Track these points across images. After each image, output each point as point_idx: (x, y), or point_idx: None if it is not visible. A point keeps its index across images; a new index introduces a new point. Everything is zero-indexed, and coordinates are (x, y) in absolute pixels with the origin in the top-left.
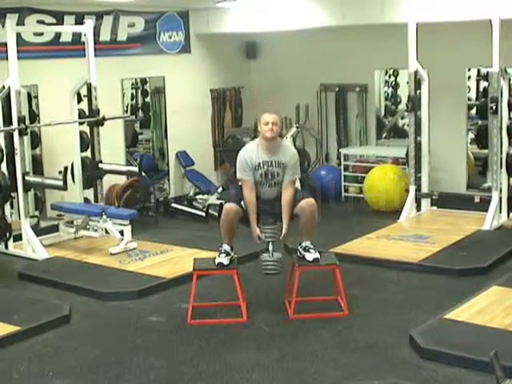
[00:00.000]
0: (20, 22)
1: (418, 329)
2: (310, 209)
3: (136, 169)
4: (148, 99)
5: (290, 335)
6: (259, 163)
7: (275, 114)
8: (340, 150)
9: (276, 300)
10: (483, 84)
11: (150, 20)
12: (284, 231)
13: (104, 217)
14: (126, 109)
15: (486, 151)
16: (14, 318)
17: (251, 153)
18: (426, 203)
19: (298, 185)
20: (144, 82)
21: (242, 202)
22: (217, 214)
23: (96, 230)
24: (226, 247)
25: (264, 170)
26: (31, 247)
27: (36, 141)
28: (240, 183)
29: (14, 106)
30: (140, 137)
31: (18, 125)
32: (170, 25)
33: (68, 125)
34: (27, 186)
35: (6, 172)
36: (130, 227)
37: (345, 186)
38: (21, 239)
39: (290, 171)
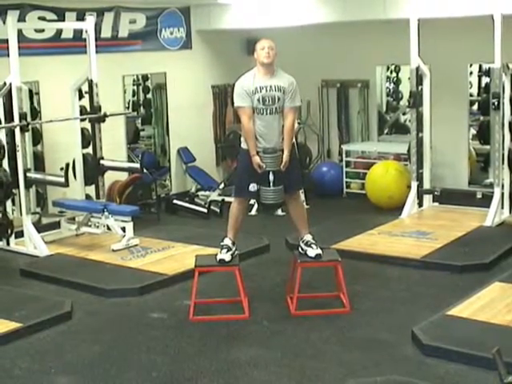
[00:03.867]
0: (21, 19)
1: (420, 325)
2: (297, 201)
3: (137, 165)
4: (149, 95)
5: (291, 332)
6: (256, 87)
7: (270, 40)
8: (342, 146)
9: (278, 296)
10: (485, 80)
11: (151, 16)
12: (285, 159)
13: (106, 213)
14: (127, 105)
15: (487, 147)
16: (15, 315)
17: (248, 79)
18: (427, 199)
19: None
20: (145, 78)
21: (251, 186)
22: (218, 211)
23: (98, 227)
24: (227, 241)
25: (262, 94)
26: (33, 244)
27: (37, 137)
28: (238, 112)
29: (16, 102)
30: (141, 133)
31: (20, 121)
32: (172, 21)
33: (69, 121)
34: (29, 183)
35: (7, 169)
36: (131, 224)
37: (346, 182)
38: (22, 236)
39: (290, 97)
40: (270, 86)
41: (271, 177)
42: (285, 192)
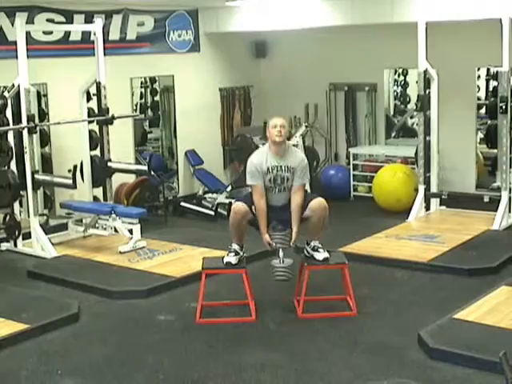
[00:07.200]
0: (30, 21)
1: (426, 329)
2: (321, 210)
3: (145, 167)
4: (157, 98)
5: (298, 335)
6: (268, 168)
7: (283, 118)
8: (349, 150)
9: (285, 299)
10: (493, 83)
11: (159, 19)
12: (294, 237)
13: (113, 215)
14: (135, 108)
15: (495, 151)
16: (22, 317)
17: (261, 158)
18: (435, 203)
19: (307, 187)
20: (153, 80)
21: (253, 207)
22: (226, 213)
23: (105, 229)
24: (235, 247)
25: (273, 174)
26: (40, 245)
27: (45, 139)
28: (250, 189)
29: (24, 104)
30: (149, 136)
31: (28, 123)
32: (180, 24)
33: (77, 123)
34: (36, 185)
35: (15, 170)
36: (139, 226)
37: (354, 185)
38: (30, 237)
39: (299, 176)
40: (281, 167)
41: (281, 254)
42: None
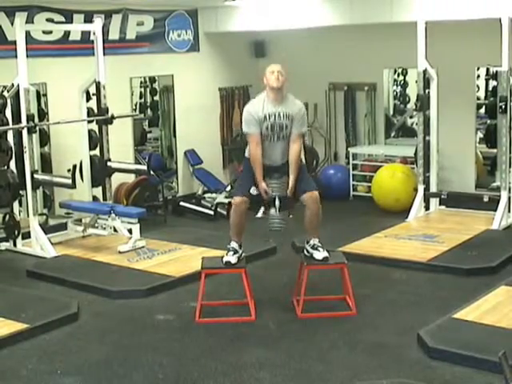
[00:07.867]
0: (29, 21)
1: (426, 328)
2: (313, 204)
3: (144, 167)
4: (157, 98)
5: (297, 334)
6: (265, 115)
7: (280, 65)
8: (348, 149)
9: (284, 299)
10: (492, 83)
11: (158, 18)
12: (291, 185)
13: (112, 215)
14: (134, 107)
15: (494, 150)
16: (22, 316)
17: (257, 105)
18: (434, 202)
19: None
20: (153, 80)
21: (252, 189)
22: (225, 213)
23: (104, 229)
24: (234, 245)
25: (271, 122)
26: (39, 245)
27: (45, 139)
28: (247, 139)
29: (23, 104)
30: (149, 135)
31: (27, 123)
32: (179, 23)
33: (77, 123)
34: (36, 184)
35: (14, 170)
36: (138, 225)
37: (353, 185)
38: (29, 237)
39: (298, 124)
40: (279, 113)
41: (277, 202)
42: (299, 195)
